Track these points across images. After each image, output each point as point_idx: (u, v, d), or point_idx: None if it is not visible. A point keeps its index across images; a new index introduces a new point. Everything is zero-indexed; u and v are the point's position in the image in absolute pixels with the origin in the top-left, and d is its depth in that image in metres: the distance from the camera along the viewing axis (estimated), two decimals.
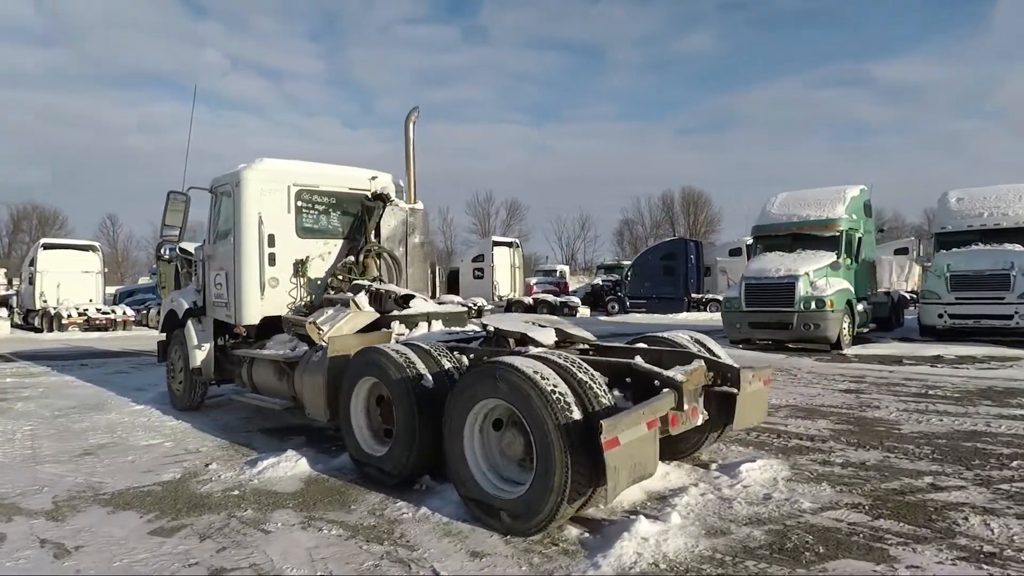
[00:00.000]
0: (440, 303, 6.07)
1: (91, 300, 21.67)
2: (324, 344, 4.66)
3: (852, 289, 11.08)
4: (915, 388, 7.01)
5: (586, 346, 4.50)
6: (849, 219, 11.50)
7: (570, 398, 2.98)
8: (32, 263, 21.04)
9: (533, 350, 3.64)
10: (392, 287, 5.47)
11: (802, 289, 10.45)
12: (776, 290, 10.69)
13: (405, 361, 3.84)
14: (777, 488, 3.68)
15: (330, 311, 5.19)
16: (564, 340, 4.37)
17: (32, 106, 79.78)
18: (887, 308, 13.51)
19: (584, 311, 23.41)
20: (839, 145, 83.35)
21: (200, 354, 6.08)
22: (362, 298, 5.24)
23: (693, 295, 23.62)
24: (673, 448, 4.27)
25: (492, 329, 4.28)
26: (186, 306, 6.38)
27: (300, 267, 5.80)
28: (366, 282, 5.49)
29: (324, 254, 6.01)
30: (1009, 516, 3.19)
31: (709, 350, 4.35)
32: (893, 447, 4.55)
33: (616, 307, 25.47)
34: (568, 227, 69.63)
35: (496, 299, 23.82)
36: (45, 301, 20.23)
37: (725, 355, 4.39)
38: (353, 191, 6.20)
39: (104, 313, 20.47)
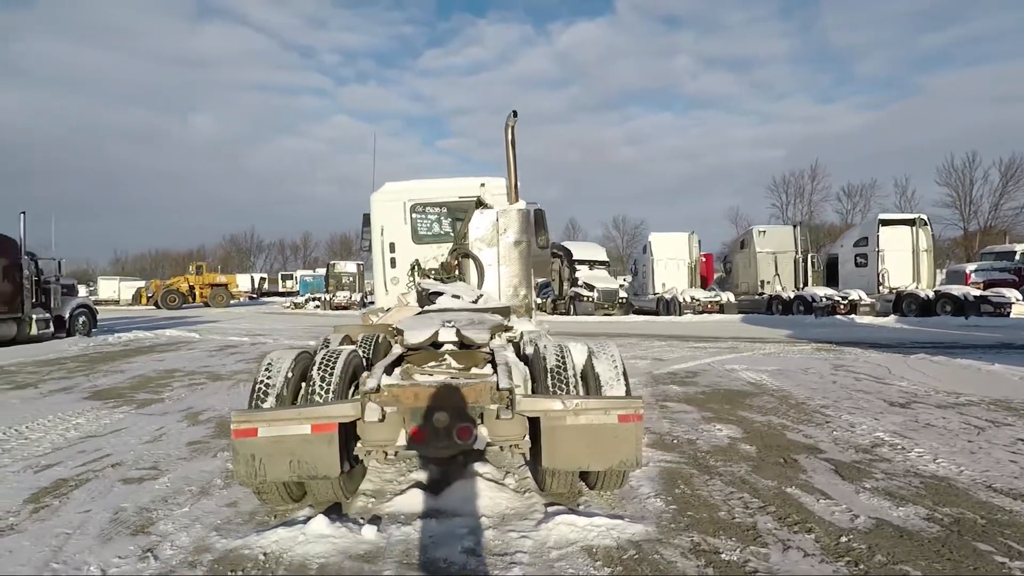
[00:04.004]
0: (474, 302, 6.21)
1: None
2: None
3: None
4: None
5: (486, 350, 4.25)
6: None
7: (274, 390, 3.31)
8: None
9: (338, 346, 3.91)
10: (431, 284, 6.06)
11: None
12: None
13: (324, 345, 4.64)
14: (526, 548, 2.86)
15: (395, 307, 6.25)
16: (463, 342, 4.28)
17: (551, 136, 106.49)
18: None
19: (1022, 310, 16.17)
20: None
21: None
22: (412, 295, 6.08)
23: None
24: (539, 478, 3.71)
25: (395, 326, 4.56)
26: None
27: (415, 268, 7.01)
28: (425, 281, 6.26)
29: (438, 256, 7.04)
30: None
31: (592, 369, 3.55)
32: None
33: None
34: None
35: (884, 291, 18.98)
36: None
37: (614, 377, 3.50)
38: (463, 199, 7.00)
39: None
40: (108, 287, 46.05)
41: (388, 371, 3.60)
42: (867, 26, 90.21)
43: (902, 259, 19.10)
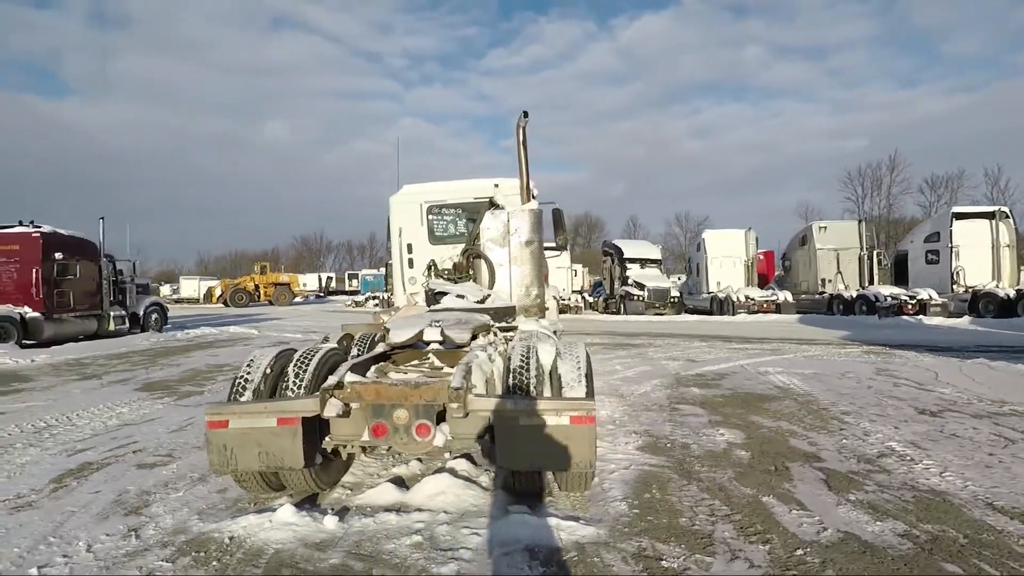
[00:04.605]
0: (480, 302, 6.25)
1: (564, 289, 28.25)
2: None
3: None
4: None
5: (467, 348, 4.32)
6: None
7: (251, 385, 3.52)
8: None
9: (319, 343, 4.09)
10: (439, 284, 6.17)
11: None
12: None
13: (324, 342, 4.86)
14: (472, 544, 2.91)
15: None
16: (445, 339, 4.36)
17: (614, 133, 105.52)
18: None
19: None
20: None
21: None
22: (420, 296, 6.22)
23: None
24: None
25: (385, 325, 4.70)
26: None
27: (431, 268, 7.17)
28: (433, 281, 6.39)
29: (453, 256, 7.17)
30: None
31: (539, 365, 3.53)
32: None
33: None
34: None
35: (959, 290, 17.58)
36: None
37: (576, 378, 3.49)
38: (477, 200, 7.09)
39: (563, 300, 26.45)
40: (189, 286, 49.46)
41: (364, 369, 3.76)
42: (956, 2, 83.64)
43: (980, 255, 17.59)
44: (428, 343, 4.31)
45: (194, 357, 11.65)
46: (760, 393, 6.81)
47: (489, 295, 6.28)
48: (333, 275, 68.98)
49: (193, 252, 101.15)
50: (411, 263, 7.30)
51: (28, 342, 13.34)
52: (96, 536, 3.18)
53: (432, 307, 5.95)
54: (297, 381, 3.51)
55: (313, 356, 3.67)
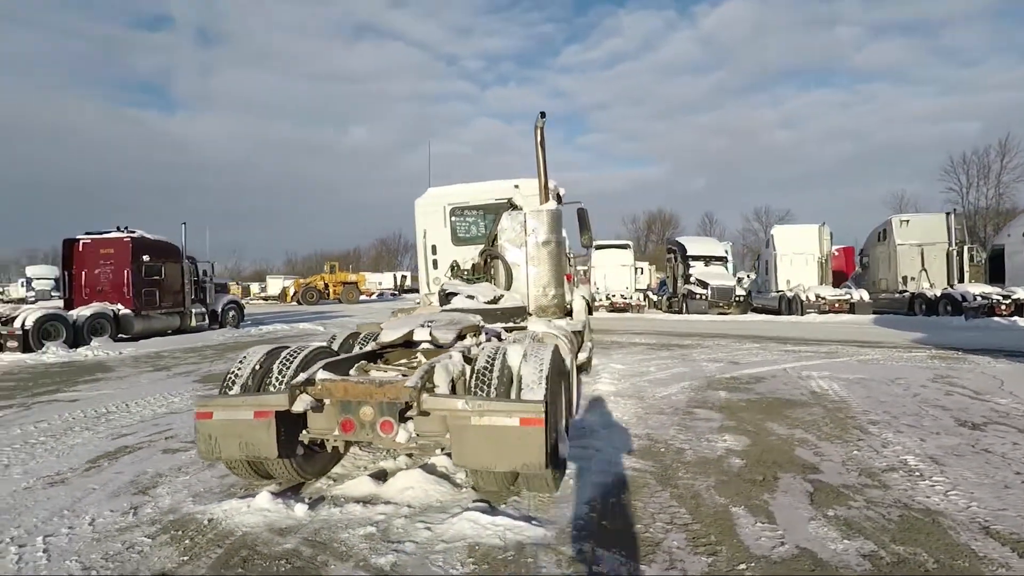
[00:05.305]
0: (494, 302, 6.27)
1: (627, 287, 27.76)
2: None
3: None
4: None
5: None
6: None
7: (240, 379, 3.79)
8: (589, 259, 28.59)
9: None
10: (452, 284, 6.28)
11: None
12: None
13: (330, 341, 5.13)
14: (420, 539, 3.01)
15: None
16: (433, 339, 4.49)
17: (694, 126, 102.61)
18: None
19: None
20: None
21: None
22: (435, 296, 6.38)
23: None
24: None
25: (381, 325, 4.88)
26: None
27: (454, 269, 7.33)
28: (448, 282, 6.52)
29: (475, 257, 7.29)
30: None
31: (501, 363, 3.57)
32: None
33: None
34: None
35: None
36: (598, 289, 27.20)
37: (536, 380, 3.51)
38: (499, 201, 7.19)
39: (624, 299, 25.99)
40: (275, 285, 52.79)
41: (348, 366, 3.96)
42: None
43: None
44: (419, 343, 4.46)
45: None
46: (789, 399, 6.47)
47: (502, 295, 6.36)
48: (408, 274, 71.20)
49: (282, 253, 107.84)
50: (435, 264, 7.51)
51: (122, 336, 14.78)
52: (102, 512, 3.55)
53: (444, 307, 6.12)
54: (280, 377, 3.74)
55: (298, 354, 3.90)
